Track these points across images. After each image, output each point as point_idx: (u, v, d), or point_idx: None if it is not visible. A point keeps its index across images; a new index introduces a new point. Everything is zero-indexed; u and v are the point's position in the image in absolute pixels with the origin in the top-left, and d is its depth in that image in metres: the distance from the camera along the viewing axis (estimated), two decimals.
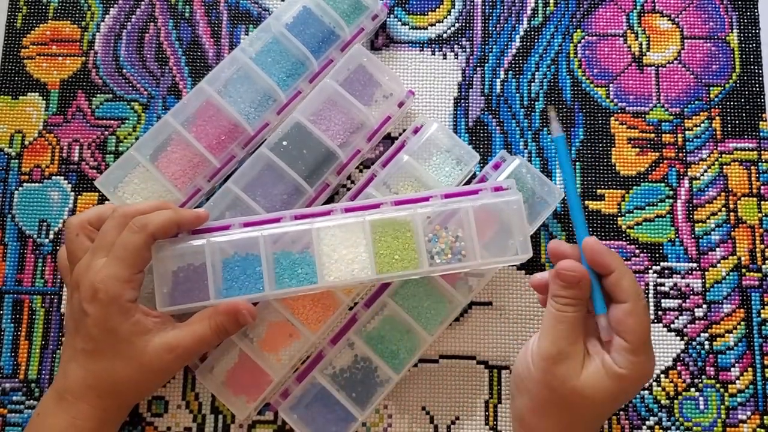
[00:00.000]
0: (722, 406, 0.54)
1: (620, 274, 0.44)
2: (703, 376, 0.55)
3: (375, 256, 0.49)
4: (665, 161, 0.58)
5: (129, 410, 0.51)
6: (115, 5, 0.60)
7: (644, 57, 0.60)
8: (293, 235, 0.50)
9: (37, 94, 0.59)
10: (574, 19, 0.61)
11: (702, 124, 0.59)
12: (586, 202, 0.57)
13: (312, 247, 0.49)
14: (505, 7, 0.61)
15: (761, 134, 0.59)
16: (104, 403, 0.47)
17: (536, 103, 0.59)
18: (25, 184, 0.57)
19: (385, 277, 0.49)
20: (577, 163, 0.58)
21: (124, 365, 0.47)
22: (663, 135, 0.59)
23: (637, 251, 0.57)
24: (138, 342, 0.47)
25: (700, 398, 0.54)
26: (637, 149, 0.58)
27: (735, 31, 0.60)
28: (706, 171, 0.58)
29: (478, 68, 0.60)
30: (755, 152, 0.58)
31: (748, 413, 0.54)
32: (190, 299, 0.49)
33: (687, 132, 0.59)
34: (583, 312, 0.46)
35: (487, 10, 0.61)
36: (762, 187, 0.58)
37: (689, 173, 0.58)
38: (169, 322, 0.49)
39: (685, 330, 0.55)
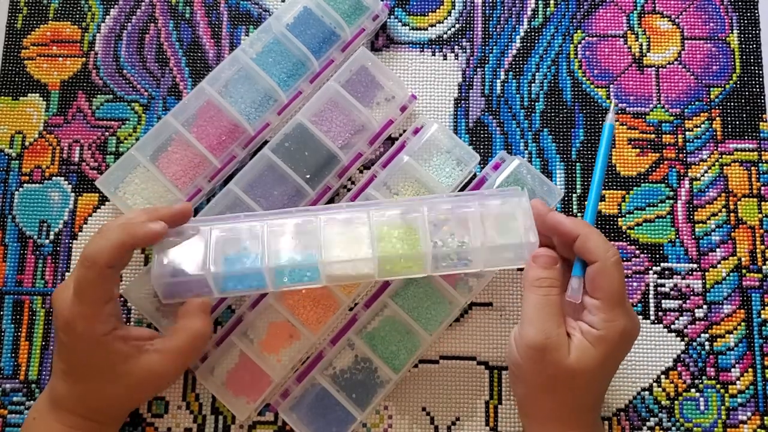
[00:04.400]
0: (723, 407, 0.54)
1: (585, 237, 0.46)
2: (704, 377, 0.55)
3: (379, 255, 0.48)
4: (665, 162, 0.58)
5: (126, 415, 0.51)
6: (116, 6, 0.60)
7: (644, 58, 0.60)
8: (297, 229, 0.50)
9: (38, 94, 0.59)
10: (574, 20, 0.61)
11: (702, 125, 0.59)
12: (586, 202, 0.57)
13: (315, 242, 0.49)
14: (506, 7, 0.61)
15: (761, 135, 0.59)
16: (98, 415, 0.47)
17: (536, 103, 0.59)
18: (25, 184, 0.57)
19: (389, 277, 0.49)
20: (578, 164, 0.58)
21: (112, 387, 0.46)
22: (663, 136, 0.59)
23: (638, 252, 0.57)
24: (121, 368, 0.46)
25: (701, 399, 0.54)
26: (638, 150, 0.58)
27: (735, 31, 0.60)
28: (706, 172, 0.58)
29: (478, 69, 0.60)
30: (755, 153, 0.58)
31: (749, 414, 0.54)
32: (190, 291, 0.49)
33: (687, 133, 0.59)
34: (562, 294, 0.47)
35: (487, 11, 0.61)
36: (762, 187, 0.58)
37: (689, 174, 0.58)
38: (155, 336, 0.48)
39: (685, 331, 0.55)
